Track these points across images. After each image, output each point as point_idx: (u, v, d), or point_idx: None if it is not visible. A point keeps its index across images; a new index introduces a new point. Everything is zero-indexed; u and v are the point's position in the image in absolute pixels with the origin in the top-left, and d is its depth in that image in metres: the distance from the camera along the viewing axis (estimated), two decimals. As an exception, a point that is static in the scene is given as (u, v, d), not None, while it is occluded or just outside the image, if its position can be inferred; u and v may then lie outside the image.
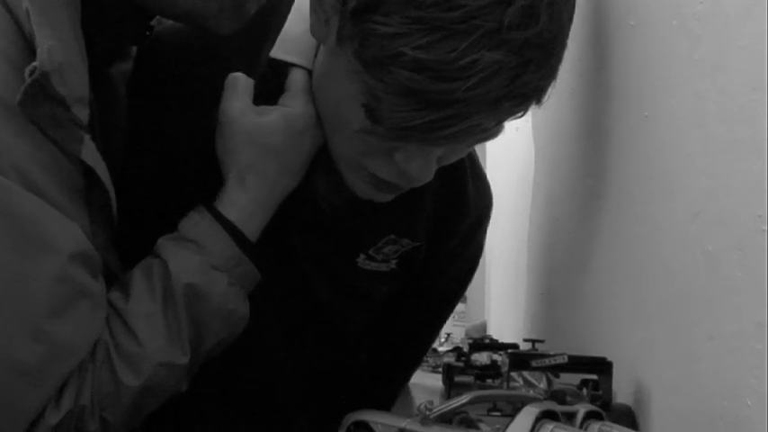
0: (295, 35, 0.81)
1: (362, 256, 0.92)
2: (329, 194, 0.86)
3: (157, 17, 0.83)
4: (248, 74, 0.82)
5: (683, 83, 0.89)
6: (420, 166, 0.75)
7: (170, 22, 0.85)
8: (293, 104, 0.80)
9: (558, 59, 0.71)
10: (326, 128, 0.80)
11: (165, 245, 0.78)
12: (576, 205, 1.32)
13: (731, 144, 0.77)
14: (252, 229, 0.80)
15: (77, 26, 0.71)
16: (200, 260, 0.76)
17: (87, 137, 0.69)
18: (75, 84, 0.68)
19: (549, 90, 0.72)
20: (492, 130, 0.73)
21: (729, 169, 0.77)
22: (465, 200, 0.97)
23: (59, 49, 0.66)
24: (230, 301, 0.78)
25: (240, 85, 0.80)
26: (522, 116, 0.74)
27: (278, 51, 0.83)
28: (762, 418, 0.69)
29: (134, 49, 0.87)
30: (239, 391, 0.95)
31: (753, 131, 0.73)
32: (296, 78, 0.81)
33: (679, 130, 0.90)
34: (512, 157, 2.01)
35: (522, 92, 0.69)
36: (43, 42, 0.65)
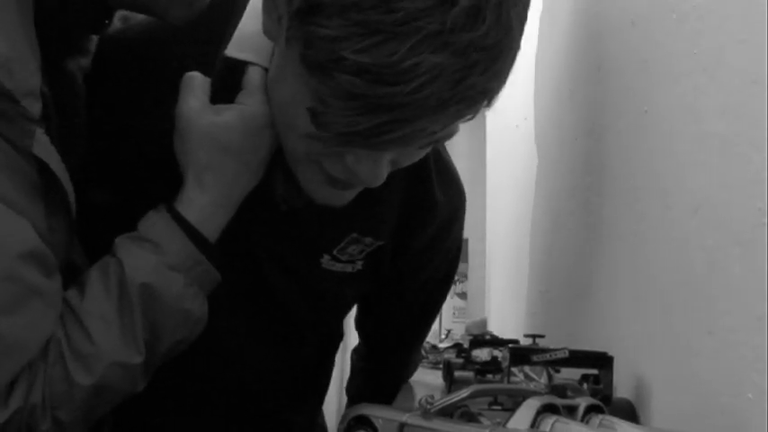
0: (251, 33, 0.80)
1: (327, 257, 0.92)
2: (288, 195, 0.86)
3: (121, 13, 0.82)
4: (205, 72, 0.81)
5: (682, 78, 0.89)
6: (370, 169, 0.74)
7: (133, 20, 0.85)
8: (250, 102, 0.79)
9: (507, 62, 0.69)
10: (278, 128, 0.79)
11: (123, 243, 0.77)
12: (577, 202, 1.32)
13: (730, 138, 0.77)
14: (211, 230, 0.79)
15: (27, 15, 0.69)
16: (156, 260, 0.76)
17: (40, 130, 0.68)
18: (23, 77, 0.67)
19: (500, 92, 0.70)
20: (441, 134, 0.72)
21: (729, 164, 0.77)
22: (431, 202, 0.96)
23: (4, 43, 0.65)
24: (186, 302, 0.77)
25: (196, 83, 0.80)
26: (471, 119, 0.72)
27: (233, 49, 0.82)
28: (762, 411, 0.69)
29: (93, 44, 0.86)
30: (208, 391, 0.95)
31: (752, 126, 0.73)
32: (252, 76, 0.80)
33: (678, 125, 0.90)
34: (512, 154, 2.02)
35: (468, 95, 0.67)
36: None
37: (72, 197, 0.72)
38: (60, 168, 0.70)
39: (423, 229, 0.98)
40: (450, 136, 0.74)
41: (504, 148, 2.11)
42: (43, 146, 0.68)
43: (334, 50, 0.65)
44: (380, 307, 1.04)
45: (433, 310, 1.16)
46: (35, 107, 0.68)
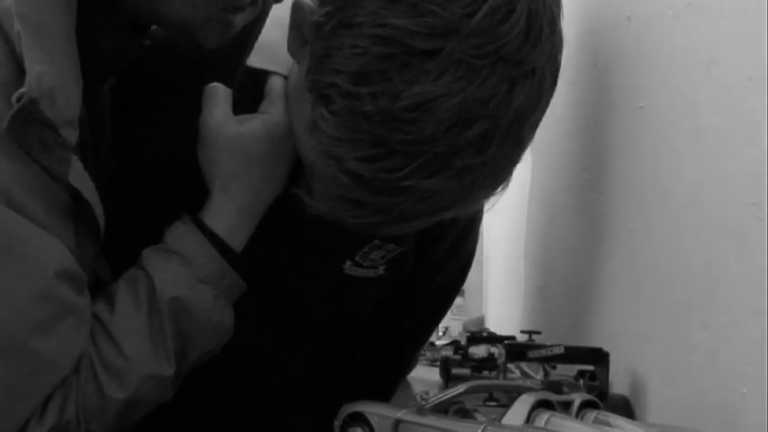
0: (271, 42, 0.80)
1: (349, 263, 0.91)
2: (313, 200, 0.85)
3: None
4: (227, 83, 0.80)
5: (677, 73, 0.89)
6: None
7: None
8: (273, 111, 0.79)
9: (510, 172, 0.68)
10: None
11: (150, 257, 0.77)
12: (573, 199, 1.32)
13: (726, 133, 0.77)
14: (237, 240, 0.79)
15: (72, 46, 0.69)
16: (185, 273, 0.75)
17: (75, 158, 0.68)
18: (65, 106, 0.67)
19: (506, 188, 0.69)
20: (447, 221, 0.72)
21: (724, 159, 0.77)
22: None
23: (50, 72, 0.66)
24: (216, 314, 0.77)
25: (219, 94, 0.79)
26: (474, 213, 0.73)
27: (255, 60, 0.81)
28: (757, 406, 0.69)
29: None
30: (231, 394, 0.94)
31: (747, 121, 0.73)
32: (275, 85, 0.80)
33: (673, 120, 0.90)
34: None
35: (468, 205, 0.68)
36: (32, 67, 0.64)
37: (102, 219, 0.72)
38: (93, 195, 0.70)
39: (444, 235, 0.97)
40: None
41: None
42: (78, 173, 0.68)
43: (336, 149, 0.64)
44: (389, 309, 1.03)
45: (441, 312, 1.16)
46: (72, 135, 0.68)
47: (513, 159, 0.67)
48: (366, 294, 0.96)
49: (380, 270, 0.93)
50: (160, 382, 0.74)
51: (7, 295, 0.65)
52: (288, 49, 0.74)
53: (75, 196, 0.69)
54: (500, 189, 0.69)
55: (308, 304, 0.93)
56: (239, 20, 0.74)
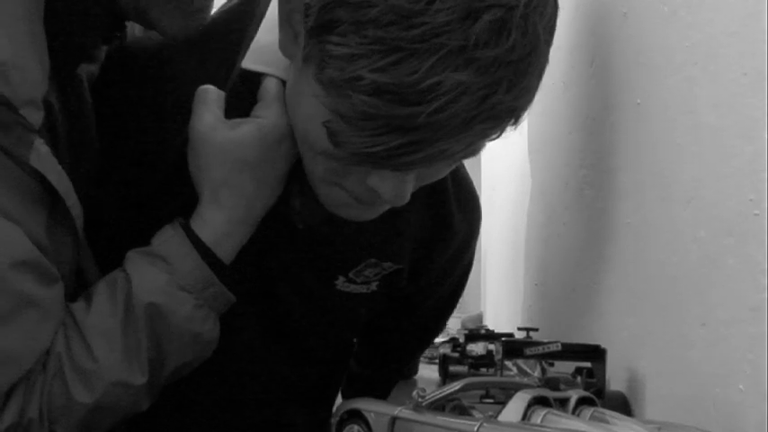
0: (267, 44, 0.77)
1: (342, 279, 0.89)
2: (305, 213, 0.82)
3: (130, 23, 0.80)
4: (220, 85, 0.78)
5: (674, 70, 0.89)
6: (394, 188, 0.70)
7: (139, 34, 0.83)
8: (266, 114, 0.76)
9: (535, 77, 0.65)
10: (298, 144, 0.76)
11: (134, 259, 0.75)
12: (571, 195, 1.32)
13: (722, 130, 0.77)
14: (226, 250, 0.76)
15: (36, 23, 0.67)
16: (166, 279, 0.73)
17: (39, 141, 0.65)
18: (23, 84, 0.65)
19: (527, 109, 0.67)
20: (465, 152, 0.68)
21: (720, 155, 0.77)
22: (450, 224, 0.94)
23: (5, 50, 0.63)
24: (196, 324, 0.74)
25: (211, 98, 0.76)
26: (497, 137, 0.69)
27: (249, 62, 0.79)
28: (755, 403, 0.69)
29: (102, 53, 0.83)
30: (225, 393, 0.93)
31: (744, 117, 0.73)
32: (269, 88, 0.77)
33: (670, 116, 0.90)
34: (506, 148, 2.02)
35: (493, 114, 0.64)
36: None
37: (77, 209, 0.70)
38: (60, 180, 0.67)
39: (441, 253, 0.96)
40: (475, 153, 0.70)
41: (500, 143, 2.11)
42: (42, 157, 0.66)
43: (351, 69, 0.62)
44: (388, 320, 1.02)
45: (440, 323, 1.15)
46: (35, 117, 0.66)
47: (534, 60, 0.63)
48: (356, 310, 0.94)
49: (373, 286, 0.91)
50: (130, 390, 0.72)
51: None
52: (280, 49, 0.72)
53: (44, 183, 0.66)
54: (525, 101, 0.66)
55: (297, 318, 0.91)
56: (197, 3, 0.72)
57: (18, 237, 0.65)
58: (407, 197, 0.72)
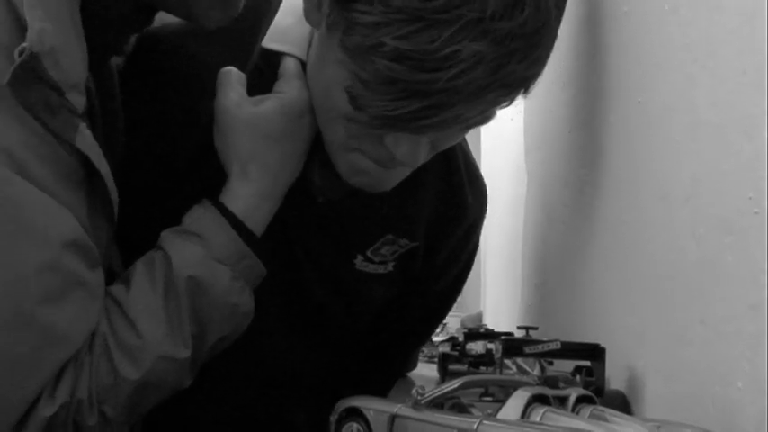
0: (286, 26, 0.81)
1: (360, 258, 0.91)
2: (325, 186, 0.85)
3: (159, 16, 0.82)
4: (242, 66, 0.81)
5: (674, 68, 0.89)
6: (409, 151, 0.75)
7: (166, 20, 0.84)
8: (287, 89, 0.80)
9: (546, 49, 0.69)
10: (318, 115, 0.79)
11: (168, 237, 0.77)
12: (571, 194, 1.32)
13: (722, 128, 0.77)
14: (256, 222, 0.79)
15: (76, 12, 0.69)
16: (202, 253, 0.75)
17: (83, 125, 0.67)
18: (69, 69, 0.67)
19: (537, 80, 0.71)
20: (478, 118, 0.72)
21: (720, 153, 0.77)
22: (463, 203, 0.97)
23: (52, 31, 0.65)
24: (233, 295, 0.77)
25: (233, 78, 0.80)
26: (508, 105, 0.73)
27: (269, 42, 0.83)
28: (753, 400, 0.69)
29: (130, 45, 0.86)
30: (237, 386, 0.94)
31: (743, 115, 0.73)
32: (289, 65, 0.81)
33: (671, 115, 0.90)
34: (506, 147, 2.01)
35: (506, 82, 0.68)
36: (34, 24, 0.64)
37: (114, 195, 0.72)
38: (103, 164, 0.69)
39: (454, 231, 0.98)
40: (486, 120, 0.74)
41: (499, 141, 2.11)
42: (86, 140, 0.68)
43: (375, 36, 0.66)
44: (393, 307, 1.03)
45: (443, 312, 1.16)
46: (79, 101, 0.67)
47: (546, 33, 0.68)
48: (375, 291, 0.96)
49: (390, 266, 0.94)
50: (175, 364, 0.74)
51: (13, 264, 0.64)
52: (305, 16, 0.75)
53: (86, 166, 0.68)
54: (536, 71, 0.70)
55: (319, 299, 0.93)
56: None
57: (68, 218, 0.67)
58: (422, 159, 0.77)
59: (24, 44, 0.63)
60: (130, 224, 0.77)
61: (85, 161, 0.68)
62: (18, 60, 0.63)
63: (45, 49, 0.64)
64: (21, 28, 0.65)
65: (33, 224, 0.65)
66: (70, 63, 0.67)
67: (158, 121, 0.85)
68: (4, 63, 0.63)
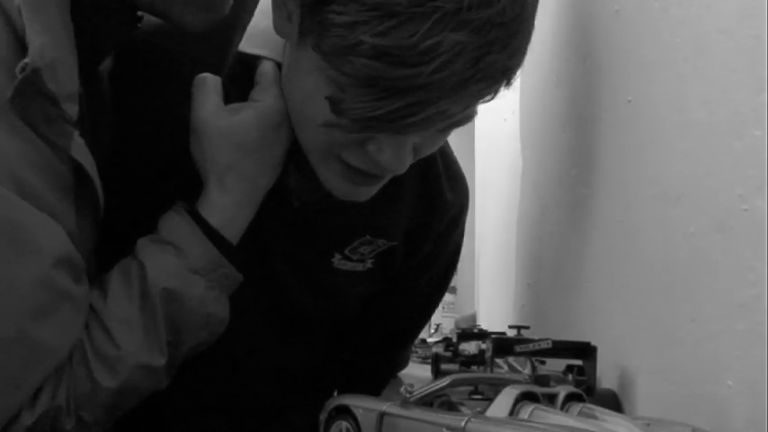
0: (263, 29, 0.80)
1: (338, 256, 0.91)
2: (300, 190, 0.85)
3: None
4: (218, 70, 0.80)
5: (665, 67, 0.89)
6: (393, 156, 0.73)
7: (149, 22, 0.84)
8: (264, 98, 0.79)
9: (525, 38, 0.69)
10: (295, 123, 0.78)
11: (145, 246, 0.77)
12: (563, 193, 1.32)
13: (712, 126, 0.77)
14: (233, 232, 0.79)
15: (67, 21, 0.69)
16: (178, 263, 0.76)
17: (76, 133, 0.68)
18: (65, 80, 0.67)
19: (518, 71, 0.70)
20: (461, 115, 0.71)
21: (710, 151, 0.77)
22: (442, 200, 0.96)
23: (51, 45, 0.65)
24: (208, 305, 0.77)
25: (209, 85, 0.79)
26: (491, 99, 0.72)
27: (246, 45, 0.81)
28: (743, 398, 0.69)
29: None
30: (219, 387, 0.94)
31: (733, 113, 0.73)
32: (265, 71, 0.80)
33: (662, 114, 0.90)
34: (499, 147, 2.01)
35: (488, 73, 0.67)
36: (35, 39, 0.64)
37: (102, 199, 0.72)
38: (93, 170, 0.70)
39: (434, 227, 0.97)
40: (469, 119, 0.73)
41: (493, 142, 2.11)
42: (80, 148, 0.68)
43: (352, 36, 0.65)
44: (378, 305, 1.03)
45: (429, 309, 1.15)
46: (73, 110, 0.68)
47: (524, 20, 0.67)
48: (354, 288, 0.95)
49: (369, 264, 0.93)
50: (152, 371, 0.74)
51: (6, 281, 0.64)
52: (275, 29, 0.75)
53: (78, 173, 0.68)
54: (516, 61, 0.69)
55: (295, 298, 0.93)
56: (221, 1, 0.74)
57: (59, 233, 0.67)
58: (406, 165, 0.75)
59: (26, 60, 0.63)
60: (112, 222, 0.77)
61: (78, 168, 0.68)
62: (20, 77, 0.63)
63: (45, 63, 0.64)
64: (18, 40, 0.65)
65: (27, 242, 0.65)
66: (66, 73, 0.67)
67: (140, 128, 0.84)
68: (4, 79, 0.64)
